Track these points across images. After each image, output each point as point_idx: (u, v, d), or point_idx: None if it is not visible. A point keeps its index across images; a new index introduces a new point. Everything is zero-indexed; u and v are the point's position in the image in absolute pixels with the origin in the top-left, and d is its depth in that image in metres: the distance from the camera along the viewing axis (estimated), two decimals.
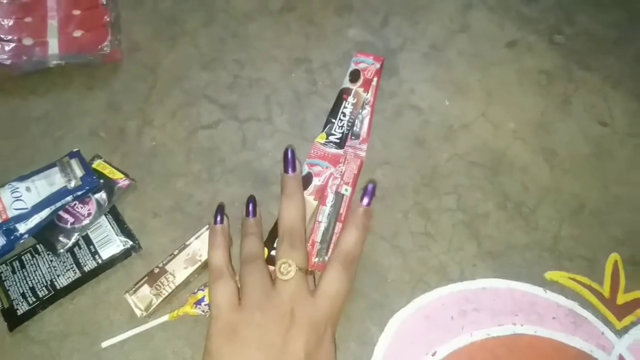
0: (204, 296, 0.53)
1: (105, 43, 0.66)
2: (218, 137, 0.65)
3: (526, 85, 0.71)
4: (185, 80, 0.68)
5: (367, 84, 0.58)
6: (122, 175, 0.60)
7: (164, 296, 0.53)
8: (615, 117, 0.69)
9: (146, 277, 0.54)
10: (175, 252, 0.55)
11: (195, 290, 0.54)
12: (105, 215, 0.58)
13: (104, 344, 0.53)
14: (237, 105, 0.67)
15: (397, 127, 0.67)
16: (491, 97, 0.69)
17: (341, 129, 0.57)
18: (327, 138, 0.58)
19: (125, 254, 0.56)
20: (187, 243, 0.56)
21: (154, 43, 0.71)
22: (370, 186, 0.53)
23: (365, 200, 0.53)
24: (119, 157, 0.62)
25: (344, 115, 0.57)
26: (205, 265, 0.55)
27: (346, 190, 0.59)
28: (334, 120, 0.58)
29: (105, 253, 0.56)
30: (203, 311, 0.53)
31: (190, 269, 0.54)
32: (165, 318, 0.53)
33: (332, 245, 0.56)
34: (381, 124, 0.66)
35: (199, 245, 0.56)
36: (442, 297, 0.57)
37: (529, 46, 0.74)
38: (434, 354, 0.54)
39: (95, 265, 0.55)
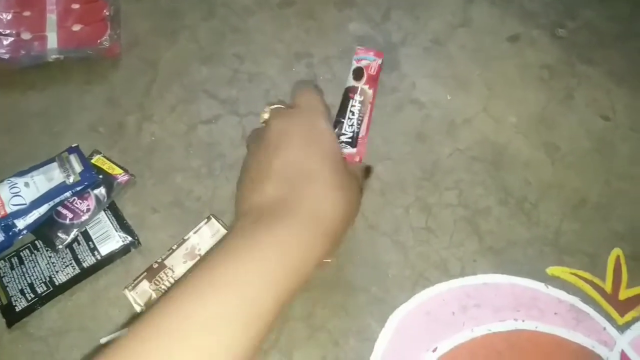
0: None
1: (105, 37, 0.66)
2: (218, 132, 0.65)
3: (528, 79, 0.70)
4: (185, 75, 0.68)
5: (371, 81, 0.58)
6: (122, 171, 0.60)
7: (163, 291, 0.53)
8: (617, 111, 0.68)
9: (145, 273, 0.54)
10: (174, 247, 0.55)
11: None
12: (104, 211, 0.58)
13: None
14: (237, 100, 0.67)
15: (398, 122, 0.66)
16: (492, 92, 0.69)
17: (351, 127, 0.56)
18: (338, 139, 0.57)
19: (125, 250, 0.56)
20: (186, 238, 0.56)
21: (153, 37, 0.71)
22: None
23: None
24: (118, 153, 0.62)
25: (353, 114, 0.56)
26: None
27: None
28: (343, 120, 0.57)
29: (105, 249, 0.56)
30: None
31: (190, 264, 0.54)
32: None
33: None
34: (382, 119, 0.66)
35: (198, 240, 0.55)
36: (442, 293, 0.57)
37: (530, 40, 0.74)
38: (434, 350, 0.54)
39: (95, 261, 0.55)
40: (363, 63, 0.58)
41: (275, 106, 0.48)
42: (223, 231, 0.56)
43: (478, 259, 0.59)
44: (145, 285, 0.53)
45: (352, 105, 0.57)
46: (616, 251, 0.60)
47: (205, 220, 0.57)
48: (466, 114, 0.67)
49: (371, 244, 0.59)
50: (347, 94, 0.58)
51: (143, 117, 0.65)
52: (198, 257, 0.55)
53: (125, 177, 0.59)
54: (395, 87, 0.69)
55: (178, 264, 0.54)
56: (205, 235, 0.55)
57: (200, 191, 0.61)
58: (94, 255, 0.55)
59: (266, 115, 0.47)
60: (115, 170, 0.60)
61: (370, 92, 0.57)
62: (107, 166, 0.60)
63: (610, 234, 0.61)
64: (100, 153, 0.61)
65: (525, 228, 0.60)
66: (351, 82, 0.58)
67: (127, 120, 0.65)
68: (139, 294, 0.53)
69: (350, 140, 0.56)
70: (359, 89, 0.57)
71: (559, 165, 0.64)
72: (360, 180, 0.50)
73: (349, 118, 0.56)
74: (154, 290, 0.53)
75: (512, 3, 0.77)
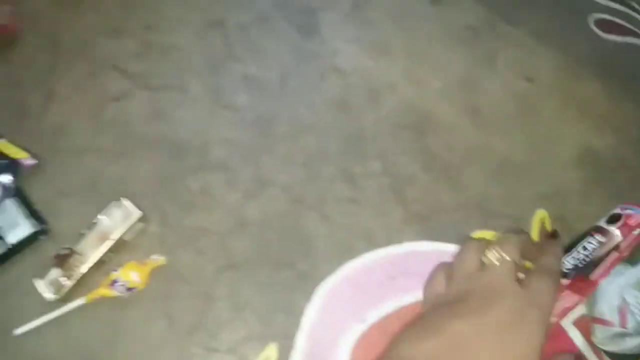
0: (118, 276, 0.50)
1: (2, 13, 0.61)
2: (128, 108, 0.61)
3: (451, 42, 0.69)
4: (90, 50, 0.64)
5: (626, 229, 0.54)
6: (27, 154, 0.56)
7: (76, 278, 0.50)
8: (541, 72, 0.68)
9: (55, 260, 0.51)
10: (84, 232, 0.52)
11: (108, 271, 0.51)
12: (11, 198, 0.54)
13: (18, 331, 0.50)
14: (147, 74, 0.63)
15: (320, 90, 0.64)
16: (416, 57, 0.68)
17: (575, 260, 0.53)
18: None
19: (34, 237, 0.53)
20: (95, 221, 0.53)
21: (54, 11, 0.66)
22: None
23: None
24: (22, 135, 0.58)
25: (584, 249, 0.53)
26: (118, 244, 0.52)
27: None
28: (569, 251, 0.54)
29: (13, 238, 0.53)
30: (120, 292, 0.50)
31: (103, 248, 0.52)
32: (81, 301, 0.50)
33: None
34: (304, 87, 0.64)
35: (109, 223, 0.53)
36: (369, 263, 0.56)
37: (454, 2, 0.72)
38: (363, 321, 0.54)
39: (4, 250, 0.52)
40: (626, 212, 0.55)
41: (506, 257, 0.43)
42: (137, 212, 0.53)
43: (404, 227, 0.58)
44: (55, 272, 0.50)
45: (589, 242, 0.54)
46: (540, 213, 0.60)
47: (115, 202, 0.54)
48: (389, 80, 0.66)
49: (296, 217, 0.58)
50: (589, 231, 0.55)
51: (47, 96, 0.61)
52: (112, 242, 0.52)
53: (32, 161, 0.56)
54: (317, 54, 0.66)
55: (90, 250, 0.51)
56: (117, 218, 0.53)
57: (111, 172, 0.58)
58: (2, 243, 0.52)
59: (489, 259, 0.43)
60: (20, 154, 0.56)
61: (618, 237, 0.53)
62: (11, 150, 0.56)
63: (535, 195, 0.61)
64: (2, 137, 0.57)
65: (451, 194, 0.60)
66: (601, 223, 0.55)
67: (30, 100, 0.60)
68: (49, 282, 0.50)
69: (567, 271, 0.53)
70: (606, 231, 0.54)
71: (482, 129, 0.64)
72: None
73: (577, 251, 0.54)
74: (65, 277, 0.50)
75: None
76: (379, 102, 0.64)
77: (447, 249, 0.57)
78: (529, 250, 0.46)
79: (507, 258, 0.43)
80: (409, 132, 0.63)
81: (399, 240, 0.57)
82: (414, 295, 0.55)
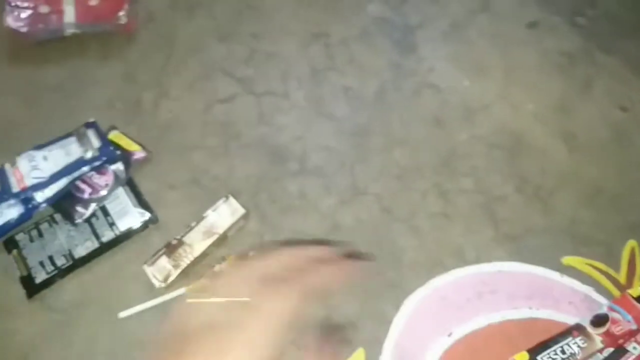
0: (222, 270, 0.52)
1: (122, 12, 0.65)
2: (234, 111, 0.64)
3: (547, 66, 0.70)
4: (201, 52, 0.67)
5: (610, 339, 0.51)
6: (139, 147, 0.59)
7: (182, 268, 0.53)
8: (635, 102, 0.68)
9: (164, 249, 0.54)
10: (193, 225, 0.55)
11: (214, 265, 0.53)
12: (123, 186, 0.58)
13: (122, 314, 0.53)
14: (253, 79, 0.66)
15: (416, 106, 0.66)
16: (511, 78, 0.69)
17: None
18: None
19: (143, 226, 0.56)
20: (205, 215, 0.56)
21: (170, 13, 0.70)
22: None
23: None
24: (134, 129, 0.62)
25: (562, 352, 0.51)
26: (220, 238, 0.55)
27: (634, 348, 0.52)
28: (548, 346, 0.52)
29: (123, 224, 0.56)
30: None
31: (208, 241, 0.54)
32: (182, 291, 0.53)
33: None
34: (400, 102, 0.66)
35: (216, 218, 0.55)
36: (458, 279, 0.57)
37: (550, 27, 0.73)
38: (449, 335, 0.54)
39: (113, 236, 0.55)
40: (614, 315, 0.53)
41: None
42: (241, 210, 0.56)
43: (494, 246, 0.59)
44: (164, 261, 0.53)
45: (569, 343, 0.52)
46: (631, 243, 0.60)
47: (224, 198, 0.56)
48: (484, 100, 0.67)
49: (387, 227, 0.59)
50: (570, 329, 0.53)
51: (160, 93, 0.64)
52: (216, 236, 0.55)
53: (143, 154, 0.59)
54: (414, 71, 0.68)
55: (197, 242, 0.54)
56: (224, 214, 0.55)
57: (216, 170, 0.61)
58: (112, 230, 0.55)
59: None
60: (133, 147, 0.59)
61: (599, 344, 0.51)
62: (124, 142, 0.60)
63: (625, 224, 0.61)
64: (117, 129, 0.61)
65: (541, 216, 0.61)
66: (584, 322, 0.53)
67: (144, 96, 0.64)
68: (158, 270, 0.53)
69: None
70: (588, 333, 0.52)
71: (575, 154, 0.64)
72: None
73: (554, 351, 0.51)
74: (173, 266, 0.53)
75: None
76: (473, 121, 0.65)
77: (536, 271, 0.58)
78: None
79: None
80: (502, 152, 0.64)
81: (489, 259, 0.58)
82: (501, 313, 0.56)
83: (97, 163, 0.56)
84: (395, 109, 0.65)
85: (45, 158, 0.56)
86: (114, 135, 0.60)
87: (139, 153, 0.59)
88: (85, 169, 0.56)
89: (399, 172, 0.62)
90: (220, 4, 0.71)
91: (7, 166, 0.56)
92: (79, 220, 0.55)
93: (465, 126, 0.65)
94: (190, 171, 0.60)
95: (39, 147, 0.57)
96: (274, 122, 0.64)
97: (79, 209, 0.55)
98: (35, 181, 0.55)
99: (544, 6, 0.75)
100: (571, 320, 0.55)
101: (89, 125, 0.60)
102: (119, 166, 0.58)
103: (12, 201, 0.55)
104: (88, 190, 0.56)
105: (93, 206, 0.55)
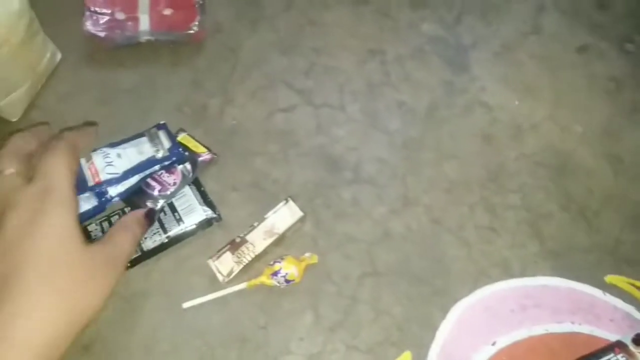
0: (280, 268, 0.56)
1: (195, 23, 0.69)
2: (294, 120, 0.68)
3: (595, 90, 0.72)
4: (264, 64, 0.71)
5: None
6: (205, 150, 0.63)
7: (244, 264, 0.57)
8: None
9: (229, 245, 0.58)
10: (255, 224, 0.59)
11: (272, 262, 0.57)
12: (189, 185, 0.61)
13: (185, 305, 0.56)
14: (312, 91, 0.70)
15: (467, 122, 0.69)
16: (560, 100, 0.71)
17: None
18: None
19: (207, 223, 0.60)
20: (266, 216, 0.59)
21: (235, 25, 0.74)
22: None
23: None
24: (201, 133, 0.65)
25: None
26: (279, 239, 0.58)
27: None
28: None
29: (189, 220, 0.59)
30: (278, 282, 0.56)
31: (269, 240, 0.58)
32: (243, 286, 0.57)
33: None
34: (451, 119, 0.68)
35: (276, 220, 0.59)
36: (503, 291, 0.60)
37: (599, 52, 0.75)
38: (493, 344, 0.57)
39: (180, 231, 0.59)
40: None
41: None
42: (299, 213, 0.59)
43: (539, 261, 0.61)
44: (228, 256, 0.57)
45: (610, 359, 0.53)
46: None
47: (284, 202, 0.60)
48: (533, 119, 0.69)
49: (436, 238, 0.62)
50: (612, 346, 0.54)
51: (225, 101, 0.68)
52: (276, 236, 0.58)
53: (208, 156, 0.63)
54: (465, 89, 0.71)
55: (258, 241, 0.58)
56: (284, 216, 0.59)
57: (276, 175, 0.64)
58: (179, 225, 0.59)
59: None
60: (199, 149, 0.63)
61: None
62: (191, 144, 0.63)
63: None
64: (185, 131, 0.64)
65: (586, 235, 0.63)
66: (626, 339, 0.55)
67: (210, 102, 0.68)
68: (222, 265, 0.56)
69: None
70: (631, 351, 0.53)
71: (621, 177, 0.66)
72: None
73: None
74: (236, 262, 0.56)
75: (582, 14, 0.78)
76: (521, 140, 0.68)
77: (579, 288, 0.60)
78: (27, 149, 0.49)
79: (5, 173, 0.45)
80: (549, 171, 0.66)
81: (533, 273, 0.60)
82: (544, 327, 0.58)
83: (167, 162, 0.60)
84: (446, 125, 0.68)
85: (119, 155, 0.60)
86: (182, 137, 0.63)
87: (205, 155, 0.63)
88: (155, 167, 0.60)
89: (448, 185, 0.65)
90: (283, 19, 0.75)
91: (83, 161, 0.60)
92: None
93: (514, 144, 0.68)
94: (252, 175, 0.64)
95: (113, 144, 0.61)
96: (330, 132, 0.67)
97: (149, 204, 0.59)
98: (109, 176, 0.58)
99: (593, 31, 0.77)
100: (612, 337, 0.57)
101: (160, 126, 0.64)
102: (186, 166, 0.61)
103: (87, 194, 0.59)
104: (157, 187, 0.60)
105: (161, 202, 0.59)
